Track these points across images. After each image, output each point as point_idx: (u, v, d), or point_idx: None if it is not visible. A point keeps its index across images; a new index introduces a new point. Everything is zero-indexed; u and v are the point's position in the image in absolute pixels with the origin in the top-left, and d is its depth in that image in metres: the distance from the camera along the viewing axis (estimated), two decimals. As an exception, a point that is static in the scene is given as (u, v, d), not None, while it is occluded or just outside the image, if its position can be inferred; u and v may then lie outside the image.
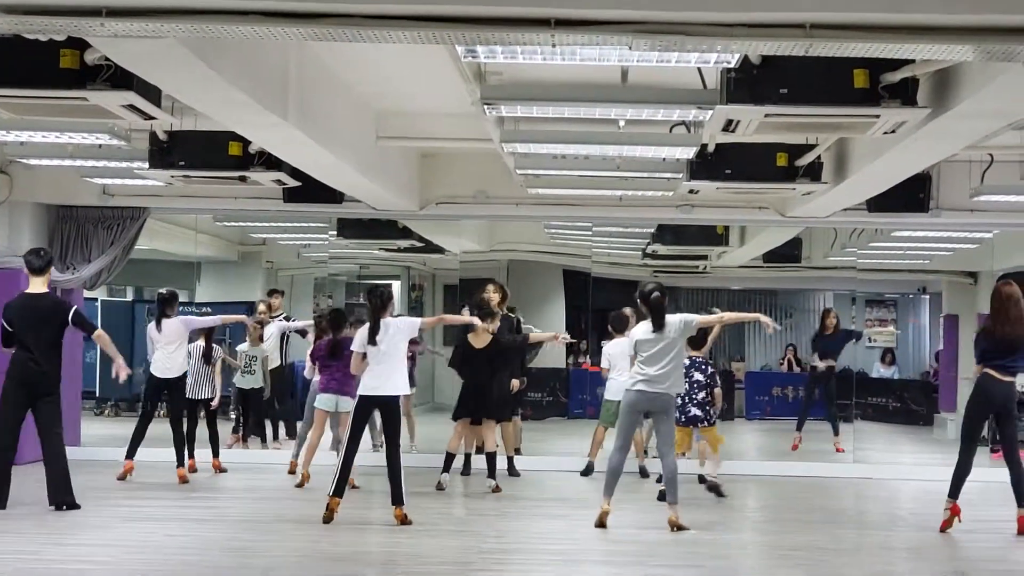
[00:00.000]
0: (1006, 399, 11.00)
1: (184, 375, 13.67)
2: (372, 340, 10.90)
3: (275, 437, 16.22)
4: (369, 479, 12.88)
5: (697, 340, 12.79)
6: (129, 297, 20.05)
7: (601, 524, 10.86)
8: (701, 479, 13.39)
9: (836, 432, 16.88)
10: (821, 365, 17.23)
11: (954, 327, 19.89)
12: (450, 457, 13.43)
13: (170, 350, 13.49)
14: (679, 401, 12.53)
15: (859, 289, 19.15)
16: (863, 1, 6.07)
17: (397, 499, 10.85)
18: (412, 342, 11.90)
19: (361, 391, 11.01)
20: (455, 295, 16.91)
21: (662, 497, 12.38)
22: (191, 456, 14.11)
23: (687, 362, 12.49)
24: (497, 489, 13.04)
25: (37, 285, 11.44)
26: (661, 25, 6.25)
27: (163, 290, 13.93)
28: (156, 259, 18.28)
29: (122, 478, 13.28)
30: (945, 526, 10.99)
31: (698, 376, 12.74)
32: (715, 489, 12.84)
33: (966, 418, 11.31)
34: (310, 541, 10.27)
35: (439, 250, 18.37)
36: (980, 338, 11.25)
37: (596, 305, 18.11)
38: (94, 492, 11.95)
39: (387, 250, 19.05)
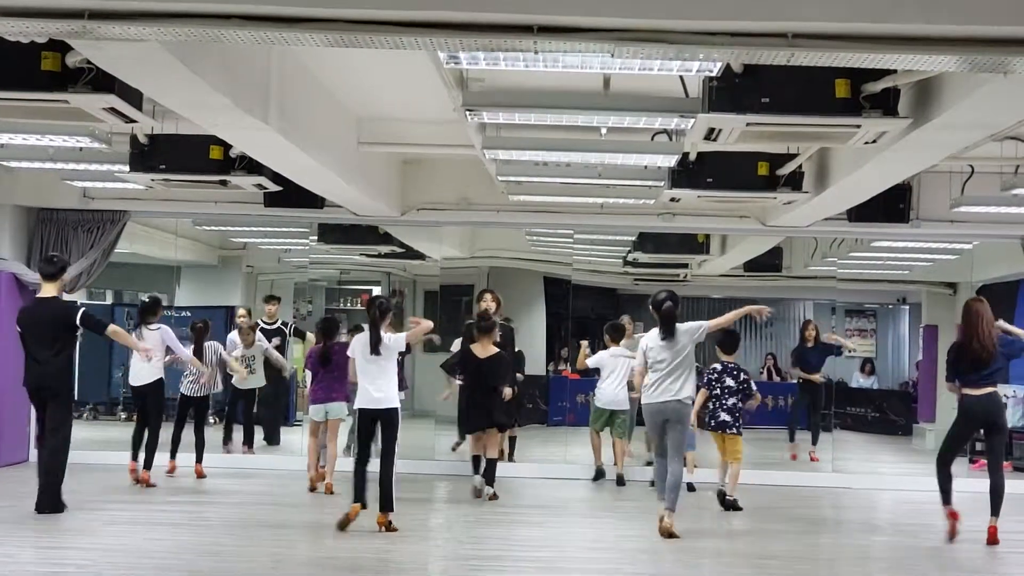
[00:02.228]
0: (989, 412, 11.05)
1: (156, 382, 13.49)
2: (376, 350, 10.97)
3: (249, 443, 16.19)
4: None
5: (728, 345, 12.85)
6: (109, 300, 19.99)
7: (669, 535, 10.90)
8: (691, 487, 13.48)
9: (815, 441, 16.88)
10: (816, 378, 17.23)
11: (934, 337, 19.94)
12: (477, 459, 13.39)
13: (143, 359, 13.37)
14: (710, 406, 12.60)
15: (839, 299, 19.21)
16: (845, 11, 6.08)
17: (385, 506, 10.88)
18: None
19: (359, 404, 11.08)
20: (435, 301, 16.88)
21: (729, 507, 12.54)
22: (199, 460, 14.23)
23: (719, 367, 12.67)
24: (494, 497, 13.03)
25: (48, 290, 11.60)
26: (643, 33, 6.25)
27: (145, 297, 13.92)
28: (136, 263, 18.22)
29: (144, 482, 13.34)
30: (953, 533, 11.02)
31: (729, 381, 12.71)
32: (732, 505, 12.73)
33: (950, 436, 11.32)
34: (288, 546, 10.26)
35: (420, 256, 18.33)
36: (952, 353, 11.33)
37: (576, 312, 18.13)
38: (73, 496, 11.88)
39: (368, 256, 19.02)
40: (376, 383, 10.97)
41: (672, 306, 11.05)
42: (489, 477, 13.21)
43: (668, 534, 10.77)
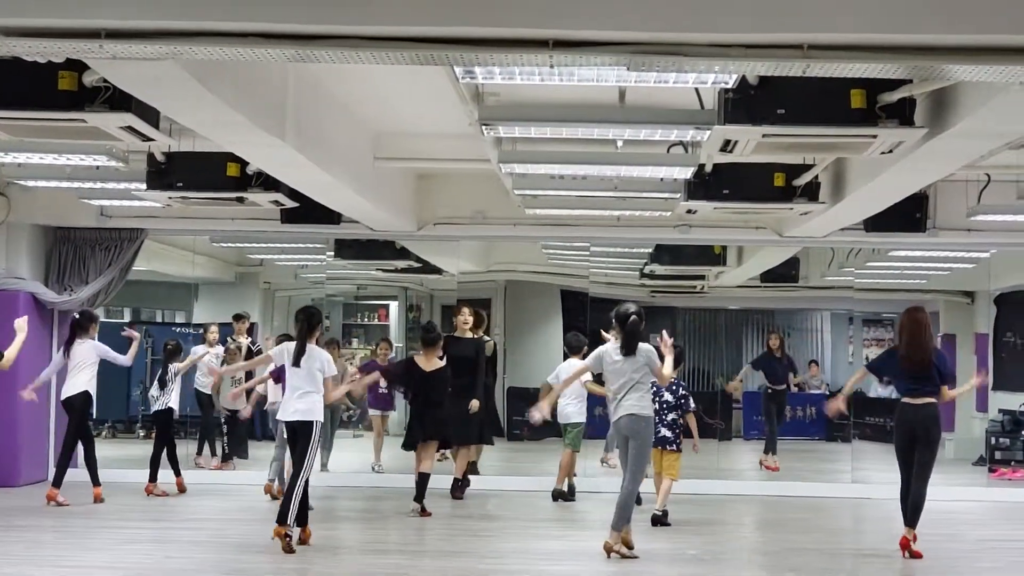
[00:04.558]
0: (921, 422, 10.91)
1: (83, 394, 13.32)
2: (296, 363, 10.73)
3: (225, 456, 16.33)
4: (376, 502, 12.88)
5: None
6: (126, 318, 20.03)
7: (628, 547, 10.66)
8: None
9: (773, 451, 16.99)
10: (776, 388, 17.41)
11: (951, 347, 19.87)
12: (424, 478, 12.96)
13: (76, 371, 13.30)
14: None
15: (856, 309, 19.17)
16: (860, 22, 6.08)
17: (281, 519, 10.49)
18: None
19: (281, 415, 10.89)
20: (452, 316, 16.89)
21: (656, 521, 12.30)
22: (178, 475, 14.23)
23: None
24: (425, 513, 12.72)
25: None
26: (659, 46, 6.25)
27: (80, 311, 13.88)
28: (153, 280, 18.27)
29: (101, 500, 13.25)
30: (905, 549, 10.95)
31: (668, 397, 12.45)
32: (661, 520, 12.37)
33: (897, 455, 11.24)
34: (308, 563, 10.23)
35: (436, 271, 18.36)
36: (886, 361, 11.28)
37: (594, 325, 18.07)
38: (87, 514, 11.92)
39: (384, 271, 19.05)
40: (297, 394, 10.73)
41: (637, 321, 10.66)
42: (420, 492, 12.85)
43: (610, 552, 10.47)
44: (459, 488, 14.27)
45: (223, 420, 16.26)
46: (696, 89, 8.78)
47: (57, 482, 13.09)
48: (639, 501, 13.16)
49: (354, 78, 10.32)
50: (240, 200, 12.29)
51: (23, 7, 6.07)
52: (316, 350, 10.86)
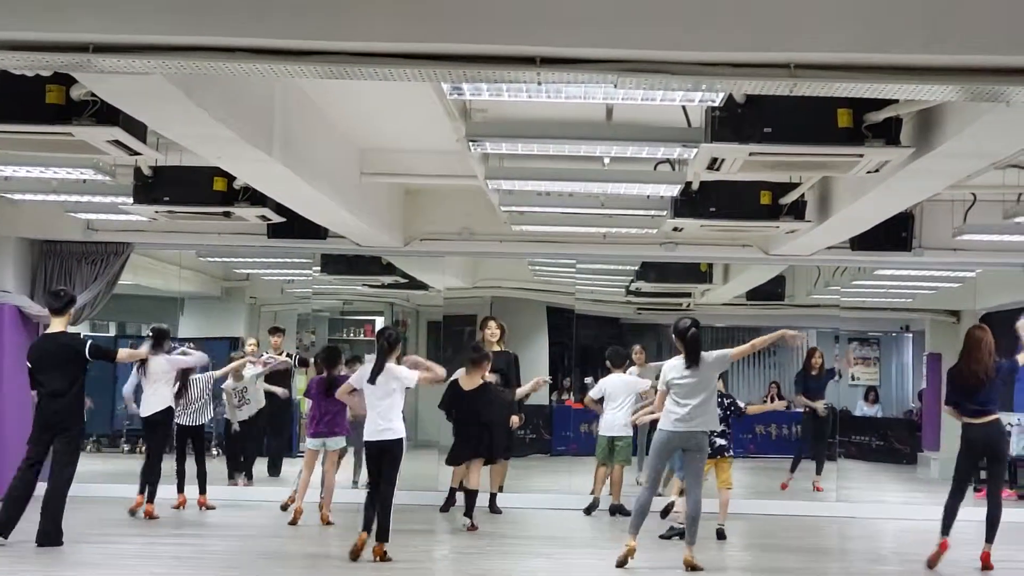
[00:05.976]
0: (989, 441, 11.01)
1: (165, 411, 13.45)
2: (372, 379, 10.90)
3: (248, 474, 16.19)
4: (354, 516, 12.85)
5: None
6: (112, 332, 19.99)
7: (623, 563, 10.61)
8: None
9: (819, 471, 16.87)
10: (819, 407, 17.17)
11: (937, 366, 19.89)
12: (471, 494, 13.23)
13: (154, 388, 13.38)
14: None
15: (842, 327, 19.19)
16: (847, 42, 6.10)
17: (381, 535, 10.78)
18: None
19: (366, 436, 10.99)
20: (439, 332, 16.88)
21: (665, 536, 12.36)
22: (203, 492, 14.18)
23: None
24: (473, 527, 12.90)
25: (56, 325, 11.51)
26: (646, 64, 6.27)
27: (152, 328, 13.87)
28: (139, 294, 18.21)
29: (134, 513, 13.27)
30: (934, 560, 10.96)
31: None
32: (720, 533, 12.66)
33: (957, 465, 11.29)
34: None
35: (422, 286, 18.35)
36: (948, 377, 11.36)
37: (579, 342, 18.10)
38: (78, 528, 11.86)
39: (370, 286, 19.03)
40: (379, 413, 10.90)
41: (697, 332, 10.81)
42: (468, 508, 13.12)
43: (691, 567, 10.54)
44: (494, 504, 14.39)
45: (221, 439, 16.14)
46: (683, 107, 8.79)
47: (151, 497, 13.24)
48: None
49: (341, 93, 10.32)
50: (227, 215, 12.28)
51: (10, 20, 6.07)
52: (394, 368, 11.04)
